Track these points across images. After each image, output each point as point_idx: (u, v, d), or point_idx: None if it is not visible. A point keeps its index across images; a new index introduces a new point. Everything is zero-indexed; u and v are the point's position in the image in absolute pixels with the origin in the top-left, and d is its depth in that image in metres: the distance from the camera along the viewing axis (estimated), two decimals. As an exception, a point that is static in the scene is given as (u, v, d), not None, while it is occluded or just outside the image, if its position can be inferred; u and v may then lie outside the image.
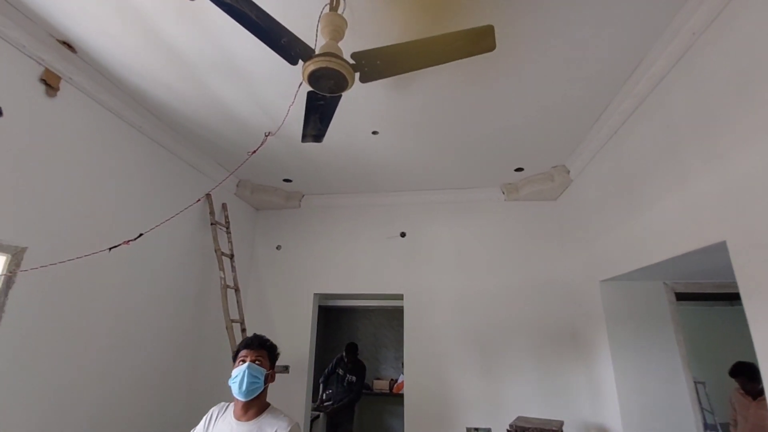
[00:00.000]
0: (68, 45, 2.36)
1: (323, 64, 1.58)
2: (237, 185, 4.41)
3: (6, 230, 2.11)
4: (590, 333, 3.51)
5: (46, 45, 2.29)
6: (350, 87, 1.73)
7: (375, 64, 1.69)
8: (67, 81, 2.46)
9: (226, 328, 3.45)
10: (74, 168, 2.53)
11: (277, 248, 4.77)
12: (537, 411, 3.69)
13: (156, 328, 3.20)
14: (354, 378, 5.43)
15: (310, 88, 1.78)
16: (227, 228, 4.06)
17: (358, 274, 4.52)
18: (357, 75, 1.71)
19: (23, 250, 2.19)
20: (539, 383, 3.82)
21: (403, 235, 4.54)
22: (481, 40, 1.60)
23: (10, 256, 2.13)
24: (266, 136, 3.30)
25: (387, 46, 1.64)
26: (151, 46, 2.34)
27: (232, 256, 3.97)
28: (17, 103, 2.19)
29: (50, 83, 2.36)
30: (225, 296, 3.55)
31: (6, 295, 2.10)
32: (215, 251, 3.72)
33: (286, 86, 2.65)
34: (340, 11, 1.84)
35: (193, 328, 3.65)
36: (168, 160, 3.39)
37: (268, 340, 2.07)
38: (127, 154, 2.95)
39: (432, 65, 1.74)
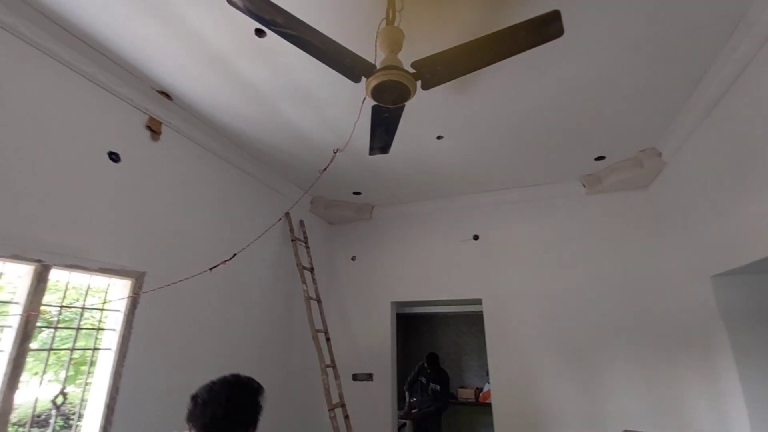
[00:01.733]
0: (165, 94, 2.71)
1: (385, 78, 1.62)
2: (311, 202, 4.66)
3: (129, 258, 2.47)
4: (704, 336, 3.06)
5: (148, 96, 2.66)
6: (413, 96, 1.74)
7: (436, 70, 1.69)
8: (166, 125, 2.83)
9: (312, 338, 3.63)
10: (177, 200, 2.89)
11: (352, 259, 4.93)
12: (646, 425, 3.30)
13: (251, 338, 3.49)
14: (438, 387, 5.36)
15: (375, 102, 1.83)
16: (306, 243, 4.31)
17: (433, 281, 4.48)
18: (419, 83, 1.73)
19: (143, 274, 2.54)
20: (646, 393, 3.42)
21: (476, 237, 4.42)
22: (547, 27, 1.52)
23: (133, 279, 2.48)
24: (334, 152, 3.46)
25: (446, 50, 1.63)
26: (232, 84, 2.60)
27: (312, 270, 4.19)
28: (130, 149, 2.57)
29: (154, 129, 2.73)
30: (309, 308, 3.75)
31: (133, 313, 2.45)
32: (297, 265, 3.96)
33: (349, 103, 2.77)
34: (395, 24, 1.88)
35: (283, 338, 3.92)
36: (250, 185, 3.71)
37: (230, 411, 1.29)
38: (217, 183, 3.29)
39: (495, 62, 1.69)
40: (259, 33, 2.20)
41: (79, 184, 2.25)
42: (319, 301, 4.09)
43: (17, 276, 2.02)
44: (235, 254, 2.89)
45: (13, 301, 1.97)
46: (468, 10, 2.02)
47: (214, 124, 3.09)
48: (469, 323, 7.18)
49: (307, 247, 4.32)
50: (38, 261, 2.00)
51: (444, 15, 2.06)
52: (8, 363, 1.86)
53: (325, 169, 3.42)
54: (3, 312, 1.95)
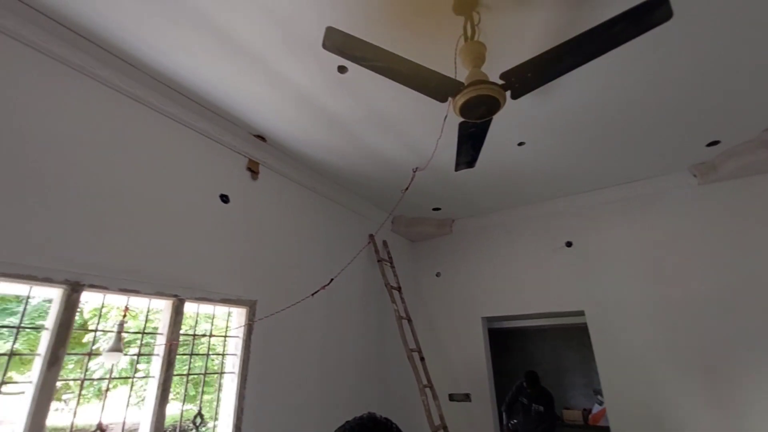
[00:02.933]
0: (260, 136, 3.00)
1: (474, 94, 1.62)
2: (392, 222, 4.75)
3: (243, 288, 2.73)
4: None
5: (246, 140, 2.96)
6: (502, 107, 1.71)
7: (525, 78, 1.64)
8: (263, 165, 3.12)
9: (408, 357, 3.63)
10: (277, 232, 3.13)
11: (436, 275, 4.88)
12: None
13: (351, 357, 3.59)
14: (542, 408, 4.98)
15: (462, 119, 1.83)
16: (391, 263, 4.37)
17: (525, 293, 4.25)
18: (508, 94, 1.69)
19: (255, 302, 2.78)
20: (814, 417, 2.82)
21: (569, 244, 4.12)
22: (650, 14, 1.40)
23: (248, 307, 2.72)
24: (414, 171, 3.49)
25: (535, 57, 1.58)
26: (317, 120, 2.79)
27: (399, 289, 4.23)
28: (235, 190, 2.87)
29: (253, 169, 3.02)
30: (401, 327, 3.77)
31: (249, 338, 2.67)
32: (385, 285, 4.03)
33: (428, 123, 2.81)
34: (476, 38, 1.88)
35: (377, 357, 3.98)
36: (336, 211, 3.90)
37: None
38: (308, 213, 3.52)
39: (589, 61, 1.59)
40: (342, 69, 2.34)
41: (200, 226, 2.55)
42: (409, 320, 4.09)
43: (158, 310, 2.33)
44: (332, 279, 3.04)
45: (157, 332, 2.27)
46: (548, 12, 1.95)
47: (302, 159, 3.33)
48: (567, 337, 6.63)
49: (393, 267, 4.38)
50: (175, 296, 2.29)
51: (523, 21, 2.01)
52: (158, 387, 2.13)
53: (406, 188, 3.47)
54: (149, 342, 2.25)
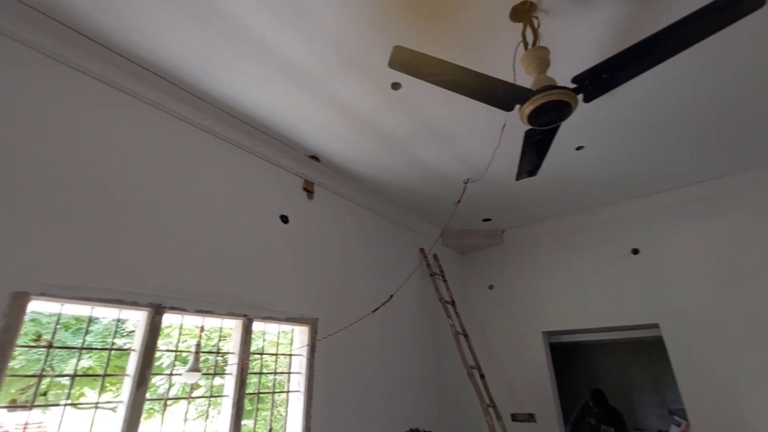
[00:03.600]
0: (314, 157, 3.07)
1: (545, 100, 1.56)
2: (441, 235, 4.68)
3: (305, 307, 2.76)
4: None
5: (302, 162, 3.04)
6: (573, 112, 1.64)
7: (599, 80, 1.57)
8: (317, 184, 3.19)
9: (468, 375, 3.51)
10: (333, 250, 3.17)
11: (489, 288, 4.73)
12: None
13: (409, 374, 3.52)
14: (612, 429, 4.63)
15: (528, 127, 1.77)
16: (443, 277, 4.29)
17: (589, 305, 4.01)
18: (580, 97, 1.62)
19: (316, 320, 2.80)
20: None
21: (635, 251, 3.86)
22: (740, 3, 1.30)
23: (310, 326, 2.75)
24: (465, 183, 3.44)
25: (612, 57, 1.51)
26: (369, 138, 2.82)
27: (453, 303, 4.13)
28: (293, 210, 2.94)
29: (309, 189, 3.09)
30: (458, 343, 3.67)
31: (313, 356, 2.69)
32: (439, 300, 3.95)
33: (481, 134, 2.78)
34: (537, 43, 1.83)
35: (437, 375, 3.87)
36: (387, 226, 3.90)
37: None
38: (362, 230, 3.54)
39: (669, 58, 1.50)
40: (395, 86, 2.36)
41: (264, 246, 2.63)
42: (465, 336, 3.97)
43: (230, 330, 2.40)
44: (392, 295, 3.02)
45: (229, 351, 2.33)
46: (609, 11, 1.87)
47: (354, 176, 3.37)
48: (634, 351, 6.17)
49: (445, 281, 4.29)
50: (245, 315, 2.36)
51: (583, 23, 1.94)
52: (232, 405, 2.18)
53: (459, 201, 3.42)
54: (208, 359, 2.31)
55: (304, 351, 2.67)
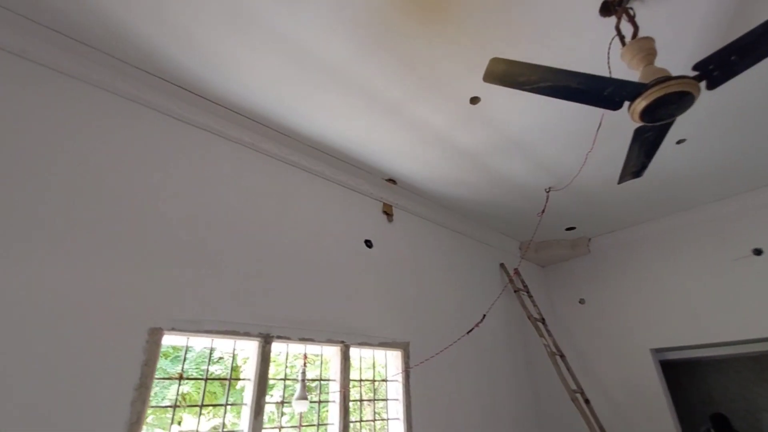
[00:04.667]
0: (392, 180, 3.10)
1: (662, 92, 1.43)
2: (519, 248, 4.46)
3: (397, 331, 2.73)
4: None
5: (380, 186, 3.08)
6: (695, 102, 1.48)
7: (727, 63, 1.40)
8: (395, 206, 3.20)
9: (572, 400, 3.22)
10: (417, 271, 3.13)
11: (580, 302, 4.37)
12: None
13: (506, 399, 3.32)
14: (748, 460, 3.97)
15: (639, 124, 1.63)
16: (528, 292, 4.06)
17: (703, 316, 3.53)
18: (702, 85, 1.46)
19: (408, 344, 2.76)
20: None
21: (758, 252, 3.36)
22: None
23: (402, 350, 2.71)
24: (548, 192, 3.27)
25: (741, 37, 1.35)
26: (446, 156, 2.79)
27: (543, 321, 3.86)
28: (376, 234, 2.96)
29: (388, 212, 3.11)
30: (556, 364, 3.40)
31: (408, 382, 2.63)
32: (528, 318, 3.72)
33: (563, 140, 2.65)
34: (639, 34, 1.70)
35: (535, 399, 3.61)
36: (466, 243, 3.80)
37: None
38: (442, 249, 3.47)
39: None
40: (474, 100, 2.32)
41: (351, 271, 2.66)
42: (562, 356, 3.68)
43: (328, 357, 2.43)
44: (484, 315, 2.90)
45: (330, 379, 2.35)
46: (724, -15, 1.70)
47: (431, 196, 3.35)
48: (759, 368, 5.31)
49: (531, 296, 4.05)
50: (342, 342, 2.38)
51: (686, 5, 1.78)
52: (339, 434, 2.17)
53: (543, 211, 3.24)
54: (325, 391, 2.33)
55: (400, 377, 2.62)
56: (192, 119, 2.22)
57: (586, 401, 3.45)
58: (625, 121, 2.34)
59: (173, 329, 1.79)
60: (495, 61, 1.47)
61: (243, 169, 2.36)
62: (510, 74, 1.50)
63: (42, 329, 1.49)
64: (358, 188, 2.96)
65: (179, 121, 2.19)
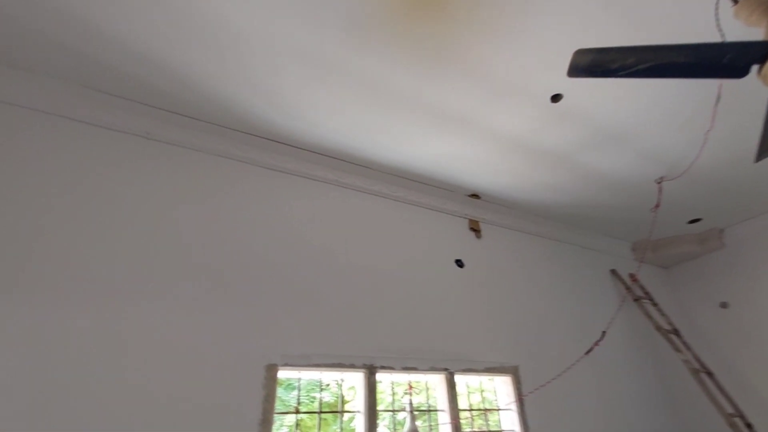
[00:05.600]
0: (475, 195, 3.00)
1: (808, 45, 1.16)
2: (632, 249, 3.94)
3: (502, 355, 2.56)
4: None
5: (464, 202, 2.99)
6: None
7: None
8: (482, 222, 3.07)
9: (729, 425, 2.66)
10: (514, 288, 2.94)
11: (721, 306, 3.67)
12: None
13: (635, 423, 2.86)
14: None
15: (777, 88, 1.34)
16: (651, 300, 3.53)
17: None
18: None
19: (517, 368, 2.55)
20: None
21: None
22: None
23: (511, 375, 2.51)
24: (659, 183, 2.86)
25: None
26: (530, 161, 2.62)
27: (676, 332, 3.30)
28: (465, 253, 2.86)
29: (475, 228, 3.00)
30: (702, 384, 2.85)
31: (524, 410, 2.41)
32: (656, 330, 3.21)
33: (672, 121, 2.30)
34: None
35: (675, 427, 3.06)
36: (568, 251, 3.47)
37: None
38: (538, 260, 3.22)
39: None
40: (555, 98, 2.16)
41: (446, 294, 2.59)
42: (709, 374, 3.08)
43: (432, 385, 2.35)
44: (604, 332, 2.58)
45: (438, 408, 2.26)
46: None
47: (519, 205, 3.16)
48: None
49: (655, 304, 3.51)
50: (445, 369, 2.29)
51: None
52: (455, 469, 2.05)
53: (657, 205, 2.84)
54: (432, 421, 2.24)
55: (514, 405, 2.42)
56: (282, 167, 2.40)
57: (748, 426, 2.82)
58: (746, 89, 1.96)
59: (286, 365, 1.89)
60: (579, 53, 1.34)
61: (331, 206, 2.48)
62: (599, 63, 1.35)
63: (171, 371, 1.67)
64: (441, 208, 2.91)
65: (273, 171, 2.38)
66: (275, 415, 1.78)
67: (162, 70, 1.88)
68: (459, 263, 2.76)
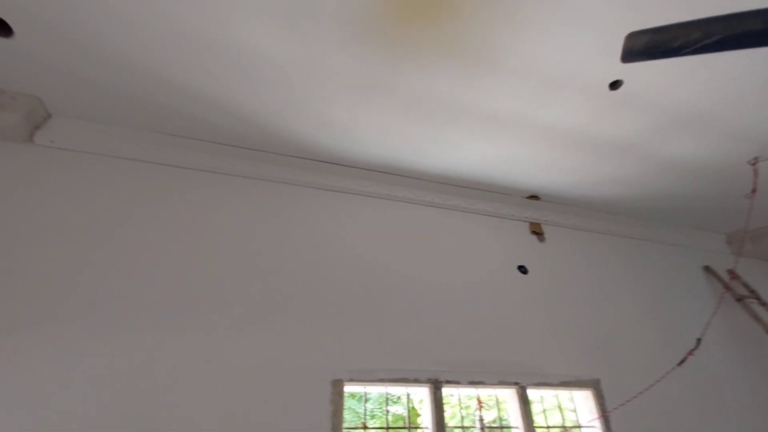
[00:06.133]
0: (534, 196, 2.85)
1: None
2: (727, 242, 3.46)
3: (579, 367, 2.36)
4: None
5: (522, 205, 2.86)
6: None
7: None
8: (543, 224, 2.90)
9: None
10: (585, 292, 2.71)
11: None
12: None
13: (760, 453, 2.46)
14: None
15: None
16: (758, 298, 3.05)
17: None
18: None
19: (598, 381, 2.34)
20: None
21: None
22: None
23: (592, 389, 2.31)
24: (753, 164, 2.49)
25: None
26: (591, 154, 2.43)
27: (795, 335, 2.82)
28: (528, 258, 2.71)
29: (537, 231, 2.84)
30: (839, 397, 2.39)
31: (609, 428, 2.20)
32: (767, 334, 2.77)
33: (757, 93, 2.01)
34: None
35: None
36: (648, 249, 3.15)
37: None
38: (611, 260, 2.95)
39: None
40: (614, 85, 2.00)
41: (512, 305, 2.47)
42: None
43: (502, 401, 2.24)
44: (699, 339, 2.28)
45: (512, 426, 2.14)
46: None
47: (585, 204, 2.94)
48: None
49: (764, 303, 3.02)
50: (516, 383, 2.17)
51: None
52: (536, 492, 1.92)
53: (753, 190, 2.48)
54: (508, 436, 2.12)
55: (597, 422, 2.22)
56: (336, 186, 2.49)
57: None
58: None
59: (351, 380, 1.92)
60: (633, 36, 1.23)
61: (386, 220, 2.50)
62: (658, 44, 1.23)
63: (244, 389, 1.76)
64: (498, 213, 2.80)
65: (327, 191, 2.46)
66: (344, 430, 1.81)
67: (222, 109, 2.06)
68: (522, 269, 2.63)
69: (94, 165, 2.08)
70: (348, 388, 1.97)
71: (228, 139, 2.29)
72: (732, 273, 3.22)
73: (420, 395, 2.21)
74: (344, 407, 1.85)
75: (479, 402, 2.12)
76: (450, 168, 2.55)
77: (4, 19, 1.63)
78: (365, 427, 1.97)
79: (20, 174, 1.94)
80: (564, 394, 2.38)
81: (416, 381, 2.01)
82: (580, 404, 2.35)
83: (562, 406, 2.34)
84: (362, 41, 1.73)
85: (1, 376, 1.52)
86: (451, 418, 2.14)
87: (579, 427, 2.25)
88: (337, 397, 1.85)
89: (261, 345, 1.88)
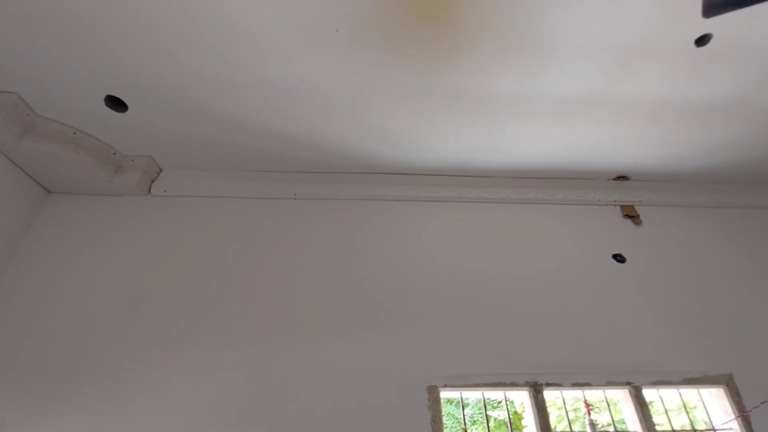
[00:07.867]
0: (622, 177, 2.61)
1: None
2: None
3: (707, 360, 2.08)
4: None
5: (610, 189, 2.63)
6: None
7: None
8: (638, 205, 2.64)
9: None
10: (698, 274, 2.39)
11: None
12: None
13: None
14: None
15: None
16: None
17: None
18: None
19: (730, 376, 2.04)
20: None
21: None
22: None
23: (724, 385, 2.02)
24: None
25: None
26: (684, 122, 2.18)
27: None
28: (624, 244, 2.47)
29: (631, 214, 2.59)
30: None
31: (750, 429, 1.90)
32: None
33: None
34: None
35: None
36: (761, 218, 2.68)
37: None
38: (727, 237, 2.56)
39: None
40: (701, 41, 1.78)
41: (611, 296, 2.27)
42: None
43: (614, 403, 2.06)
44: None
45: (628, 431, 1.96)
46: None
47: (683, 177, 2.63)
48: None
49: None
50: (628, 383, 1.99)
51: None
52: (668, 503, 1.72)
53: None
54: (626, 441, 1.95)
55: (734, 423, 1.93)
56: (409, 195, 2.54)
57: None
58: None
59: (446, 386, 1.92)
60: (713, -12, 1.10)
61: (465, 223, 2.48)
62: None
63: (347, 398, 1.87)
64: (583, 200, 2.61)
65: (403, 202, 2.52)
66: (445, 436, 1.81)
67: (296, 141, 2.25)
68: (618, 258, 2.41)
69: (199, 206, 2.40)
70: (444, 394, 1.97)
71: (306, 167, 2.47)
72: None
73: (520, 399, 2.14)
74: (443, 413, 1.86)
75: (587, 405, 1.97)
76: (522, 161, 2.45)
77: (120, 97, 1.98)
78: (465, 431, 1.95)
79: (144, 221, 2.32)
80: (688, 394, 2.11)
81: (513, 384, 1.95)
82: (711, 403, 2.06)
83: (689, 406, 2.08)
84: (418, 51, 1.77)
85: (154, 387, 1.84)
86: (559, 421, 2.03)
87: (713, 429, 1.97)
88: (435, 403, 1.87)
89: (362, 356, 1.98)
